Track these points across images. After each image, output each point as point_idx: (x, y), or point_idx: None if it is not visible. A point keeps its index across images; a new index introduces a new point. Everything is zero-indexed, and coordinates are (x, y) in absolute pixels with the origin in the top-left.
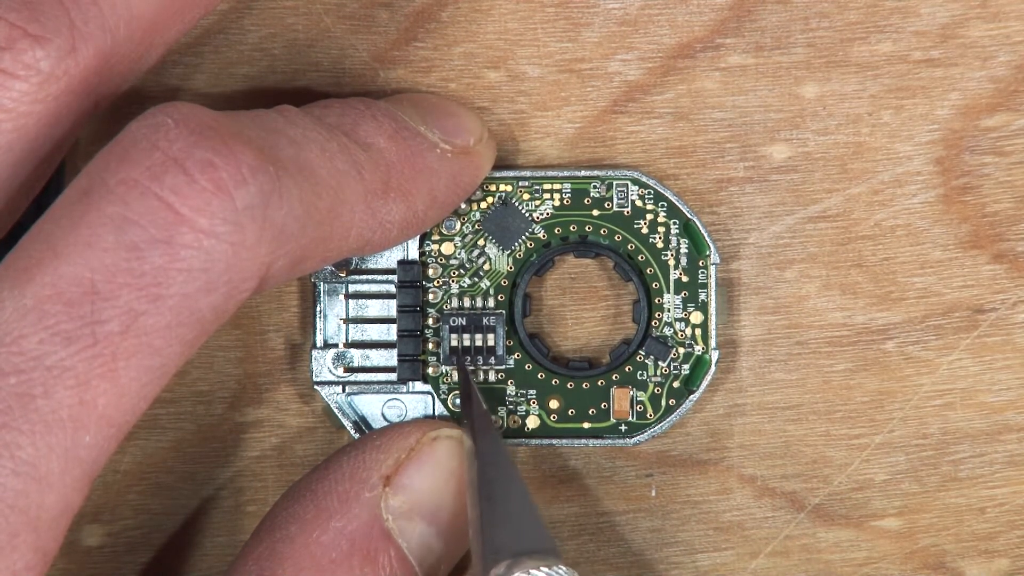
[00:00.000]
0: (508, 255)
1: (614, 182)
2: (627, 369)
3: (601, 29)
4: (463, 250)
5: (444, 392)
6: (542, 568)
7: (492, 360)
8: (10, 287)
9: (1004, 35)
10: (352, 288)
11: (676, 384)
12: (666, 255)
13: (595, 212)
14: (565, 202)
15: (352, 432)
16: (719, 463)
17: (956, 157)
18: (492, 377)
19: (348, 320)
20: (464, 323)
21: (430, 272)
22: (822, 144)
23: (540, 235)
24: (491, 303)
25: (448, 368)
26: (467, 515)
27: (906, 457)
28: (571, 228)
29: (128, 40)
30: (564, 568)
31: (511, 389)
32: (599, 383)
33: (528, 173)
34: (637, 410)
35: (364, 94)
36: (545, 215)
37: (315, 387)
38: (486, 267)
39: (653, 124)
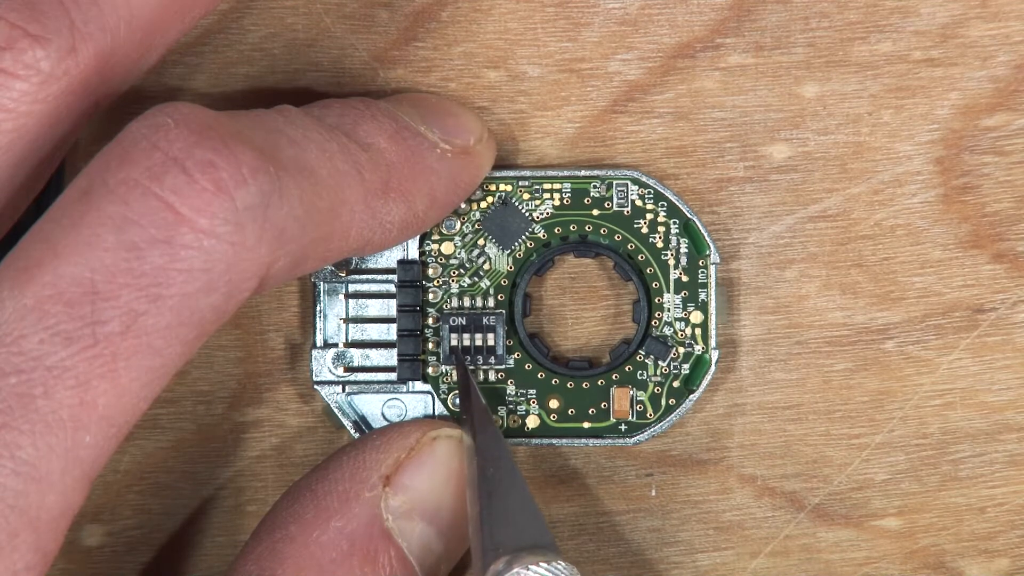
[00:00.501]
0: (508, 255)
1: (614, 182)
2: (627, 369)
3: (601, 29)
4: (463, 250)
5: (444, 392)
6: (541, 564)
7: (492, 360)
8: (10, 287)
9: (1004, 35)
10: (352, 288)
11: (676, 384)
12: (666, 255)
13: (595, 212)
14: (565, 202)
15: (352, 432)
16: (719, 463)
17: (956, 157)
18: (492, 377)
19: (348, 320)
20: (464, 323)
21: (430, 272)
22: (822, 144)
23: (540, 235)
24: (491, 303)
25: (448, 368)
26: (467, 512)
27: (906, 457)
28: (571, 228)
29: (128, 40)
30: (563, 564)
31: (511, 389)
32: (599, 383)
33: (528, 173)
34: (637, 410)
35: (364, 94)
36: (545, 215)
37: (315, 387)
38: (486, 267)
39: (653, 124)
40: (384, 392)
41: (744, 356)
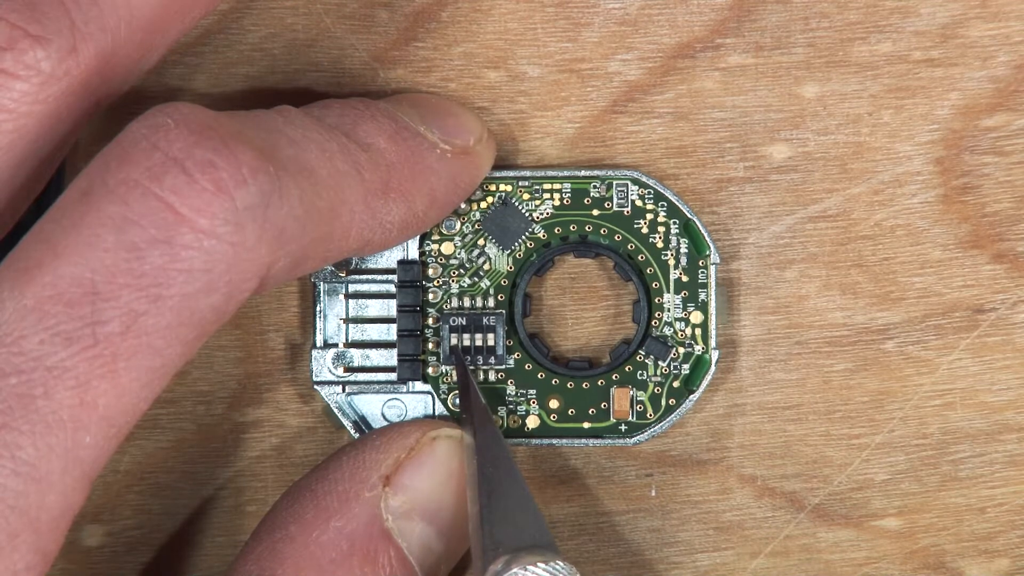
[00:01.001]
0: (508, 255)
1: (614, 182)
2: (627, 369)
3: (601, 29)
4: (463, 250)
5: (444, 392)
6: (539, 564)
7: (492, 360)
8: (10, 287)
9: (1004, 35)
10: (352, 288)
11: (676, 384)
12: (666, 255)
13: (595, 212)
14: (565, 202)
15: (352, 432)
16: (719, 463)
17: (956, 157)
18: (492, 377)
19: (348, 320)
20: (464, 323)
21: (430, 272)
22: (822, 144)
23: (540, 235)
24: (491, 303)
25: (448, 368)
26: (467, 512)
27: (906, 457)
28: (571, 228)
29: (129, 41)
30: (562, 563)
31: (511, 389)
32: (599, 383)
33: (528, 173)
34: (637, 410)
35: (364, 94)
36: (545, 215)
37: (315, 387)
38: (486, 267)
39: (653, 124)
40: (384, 392)
41: (744, 356)
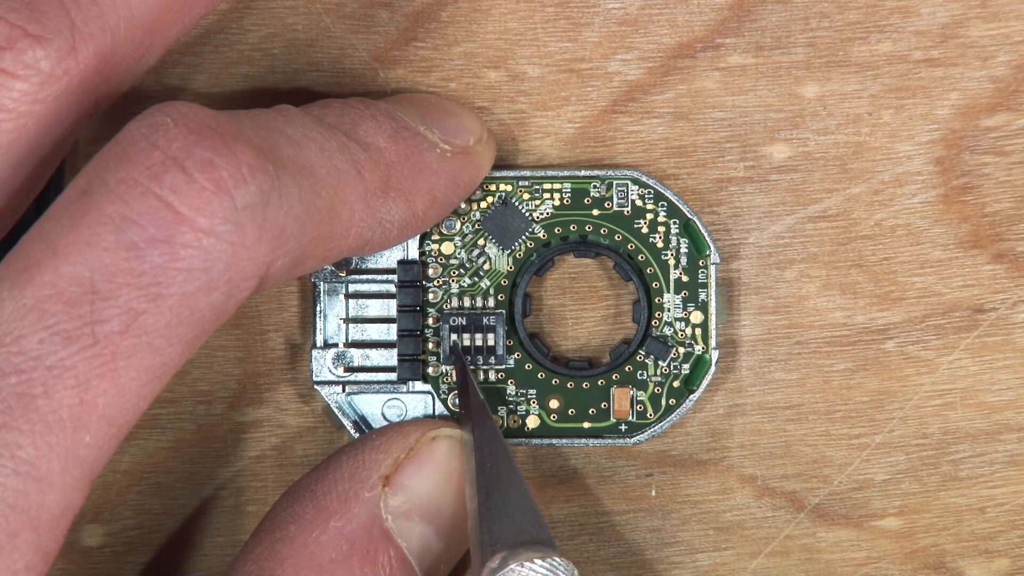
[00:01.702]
0: (508, 255)
1: (614, 182)
2: (627, 369)
3: (601, 29)
4: (463, 250)
5: (444, 392)
6: (536, 559)
7: (492, 360)
8: (10, 287)
9: (1004, 35)
10: (352, 288)
11: (676, 384)
12: (666, 255)
13: (595, 212)
14: (565, 202)
15: (352, 432)
16: (719, 463)
17: (956, 157)
18: (492, 377)
19: (348, 320)
20: (464, 323)
21: (430, 272)
22: (822, 144)
23: (540, 235)
24: (491, 303)
25: (448, 368)
26: (467, 509)
27: (906, 457)
28: (571, 228)
29: (128, 40)
30: (559, 559)
31: (511, 389)
32: (599, 383)
33: (528, 173)
34: (637, 410)
35: (364, 94)
36: (545, 215)
37: (315, 387)
38: (486, 267)
39: (653, 124)
40: (384, 392)
41: (744, 356)
